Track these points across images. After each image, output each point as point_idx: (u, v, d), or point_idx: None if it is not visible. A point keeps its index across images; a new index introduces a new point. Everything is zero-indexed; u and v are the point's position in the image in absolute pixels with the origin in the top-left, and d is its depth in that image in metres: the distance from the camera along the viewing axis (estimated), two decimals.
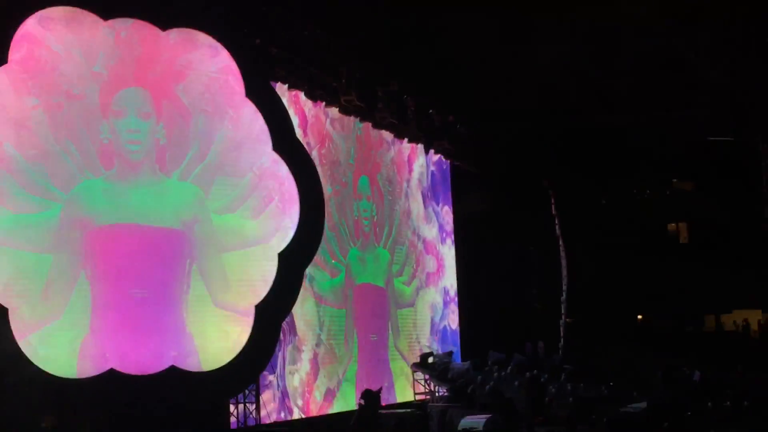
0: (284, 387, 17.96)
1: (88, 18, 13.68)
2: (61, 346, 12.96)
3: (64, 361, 12.91)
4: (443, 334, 25.83)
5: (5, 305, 12.29)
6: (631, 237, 28.15)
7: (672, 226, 30.75)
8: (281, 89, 17.94)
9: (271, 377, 17.27)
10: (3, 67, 12.66)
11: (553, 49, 20.42)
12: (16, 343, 12.26)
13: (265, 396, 17.12)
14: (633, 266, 27.56)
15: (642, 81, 22.63)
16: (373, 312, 22.02)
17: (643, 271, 27.54)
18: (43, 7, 13.18)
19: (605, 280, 27.28)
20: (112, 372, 13.21)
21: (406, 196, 24.45)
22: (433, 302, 25.50)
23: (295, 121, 18.04)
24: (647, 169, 28.73)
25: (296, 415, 18.31)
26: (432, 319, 25.27)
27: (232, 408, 15.91)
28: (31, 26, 13.05)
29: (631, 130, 25.66)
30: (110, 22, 13.89)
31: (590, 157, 26.70)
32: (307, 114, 19.77)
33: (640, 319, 29.42)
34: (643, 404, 18.45)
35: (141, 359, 13.64)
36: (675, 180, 30.28)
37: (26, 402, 12.03)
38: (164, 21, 14.48)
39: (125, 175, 13.98)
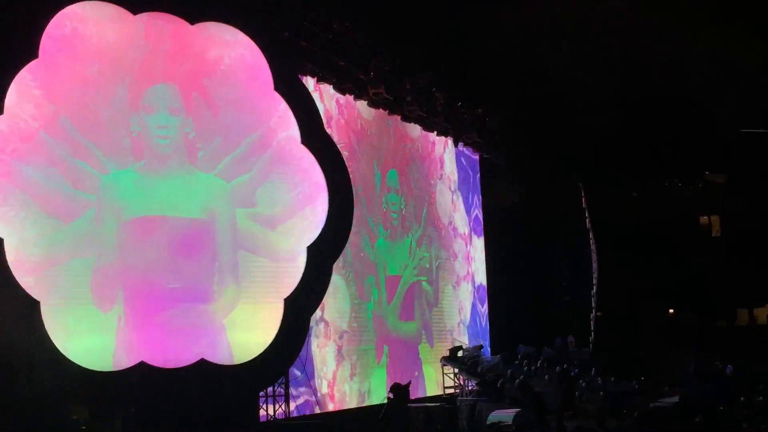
0: (313, 380, 17.99)
1: (118, 12, 13.73)
2: (94, 338, 13.02)
3: (96, 353, 12.96)
4: (473, 328, 25.78)
5: (37, 298, 12.36)
6: (662, 230, 27.90)
7: (704, 219, 30.43)
8: (309, 83, 17.97)
9: (299, 371, 17.31)
10: (34, 61, 12.72)
11: (582, 43, 20.32)
12: (47, 336, 12.34)
13: (294, 389, 17.17)
14: (664, 260, 27.33)
15: (674, 74, 22.43)
16: (403, 304, 22.01)
17: (675, 264, 27.31)
18: (73, 1, 13.23)
19: (636, 273, 27.07)
20: (142, 365, 13.27)
21: (435, 189, 24.41)
22: (462, 296, 25.45)
23: (323, 114, 18.04)
24: (679, 162, 28.47)
25: (325, 408, 18.34)
26: (461, 313, 25.23)
27: (261, 401, 15.95)
28: (62, 21, 13.11)
29: (663, 123, 25.44)
30: (139, 16, 13.94)
31: (621, 149, 26.50)
32: (335, 107, 19.79)
33: (672, 313, 29.17)
34: (675, 399, 18.34)
35: (171, 352, 13.69)
36: (707, 173, 29.96)
37: (58, 394, 12.12)
38: (193, 15, 14.50)
39: (154, 167, 14.04)
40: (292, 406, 16.81)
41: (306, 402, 17.76)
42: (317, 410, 18.02)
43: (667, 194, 29.67)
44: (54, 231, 12.80)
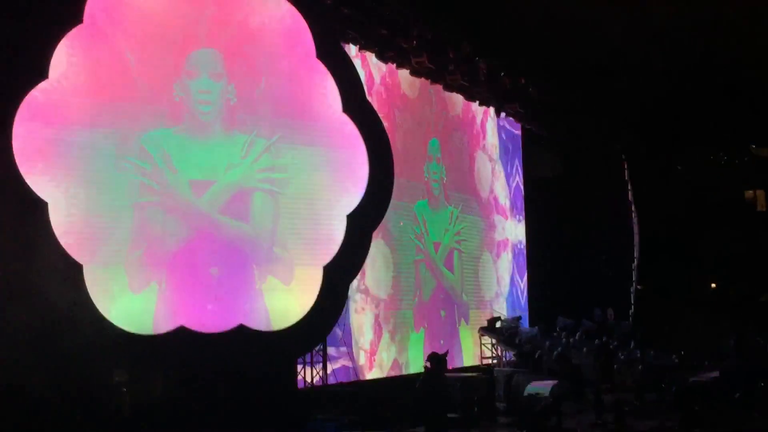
0: (351, 348, 18.09)
1: None
2: (134, 302, 13.18)
3: (137, 317, 13.12)
4: (511, 299, 25.74)
5: (80, 261, 12.52)
6: (706, 204, 27.58)
7: (749, 193, 30.00)
8: (352, 50, 17.91)
9: (339, 337, 17.40)
10: (79, 26, 12.79)
11: (626, 11, 20.01)
12: (90, 298, 12.50)
13: (335, 350, 17.27)
14: (707, 233, 27.03)
15: (719, 44, 22.03)
16: (442, 273, 22.03)
17: (718, 238, 27.00)
18: None
19: (679, 247, 26.81)
20: (182, 329, 13.40)
21: (477, 159, 24.32)
22: (501, 266, 25.40)
23: (365, 81, 18.01)
24: (724, 135, 28.05)
25: (363, 376, 18.44)
26: (500, 284, 25.19)
27: (299, 368, 16.07)
28: None
29: (708, 95, 25.05)
30: None
31: (665, 122, 26.15)
32: (378, 74, 19.74)
33: (714, 287, 28.88)
34: (715, 374, 18.19)
35: (211, 317, 13.81)
36: (753, 146, 29.50)
37: (99, 356, 12.28)
38: None
39: (195, 131, 14.10)
40: (329, 370, 16.91)
41: (344, 368, 17.87)
42: (355, 378, 18.13)
43: (712, 167, 29.29)
44: (97, 196, 12.93)
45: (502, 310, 24.68)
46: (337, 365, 17.57)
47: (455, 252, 22.72)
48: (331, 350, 17.09)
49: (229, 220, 14.26)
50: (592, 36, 21.16)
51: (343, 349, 17.78)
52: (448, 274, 22.31)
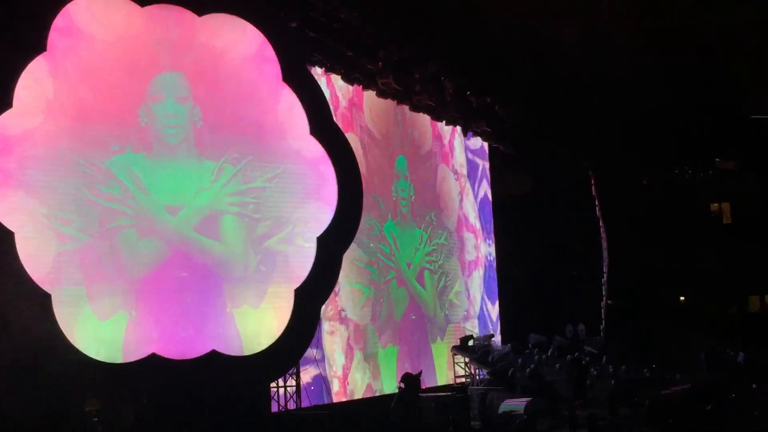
0: (324, 370, 18.03)
1: (126, 5, 13.76)
2: (104, 330, 13.06)
3: (107, 345, 13.02)
4: (483, 317, 25.78)
5: (48, 291, 12.40)
6: (673, 217, 27.80)
7: (715, 206, 30.29)
8: (317, 73, 17.95)
9: (314, 357, 17.36)
10: (42, 54, 12.74)
11: (590, 28, 20.21)
12: (59, 329, 12.38)
13: (305, 379, 17.20)
14: (675, 247, 27.23)
15: (684, 60, 22.29)
16: (415, 289, 22.04)
17: (686, 251, 27.20)
18: None
19: (647, 261, 26.98)
20: (153, 356, 13.31)
21: (445, 177, 24.40)
22: (472, 285, 25.45)
23: (331, 101, 18.08)
24: (690, 149, 28.33)
25: (336, 398, 18.38)
26: (471, 302, 25.23)
27: (272, 392, 15.98)
28: (70, 14, 13.15)
29: (673, 110, 25.31)
30: (147, 8, 13.96)
31: (630, 136, 26.37)
32: (343, 94, 19.79)
33: (683, 300, 29.08)
34: (686, 386, 18.29)
35: (182, 343, 13.73)
36: (718, 159, 29.82)
37: (70, 386, 12.16)
38: (200, 6, 14.52)
39: (164, 156, 14.06)
40: (303, 396, 16.84)
41: (317, 390, 17.80)
42: (328, 400, 18.07)
43: (678, 181, 29.55)
44: (64, 224, 12.84)
45: (474, 328, 24.71)
46: (309, 390, 17.50)
47: (426, 271, 22.74)
48: (304, 373, 17.04)
49: (203, 238, 14.20)
50: (557, 54, 21.35)
51: (317, 371, 17.71)
52: (420, 290, 22.32)
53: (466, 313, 24.75)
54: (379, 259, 20.72)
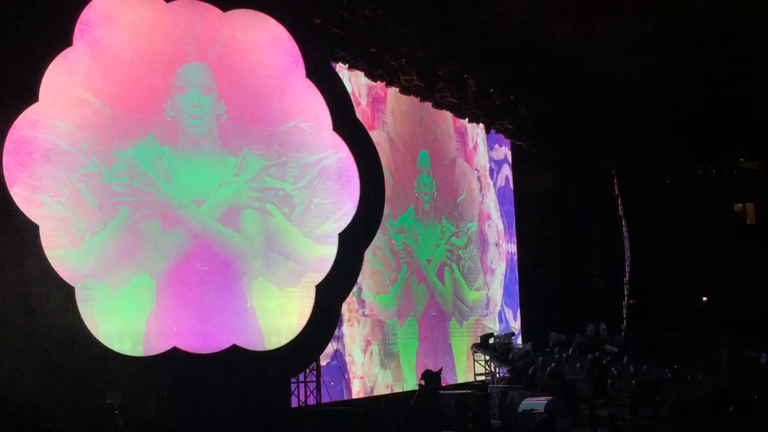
0: (345, 366, 18.05)
1: (151, 1, 13.80)
2: (126, 324, 13.13)
3: (128, 338, 13.07)
4: (503, 315, 25.74)
5: (71, 284, 12.47)
6: (696, 217, 27.64)
7: (739, 206, 30.09)
8: (341, 69, 17.97)
9: (334, 353, 17.39)
10: (68, 49, 12.80)
11: (616, 27, 20.12)
12: (82, 322, 12.44)
13: (326, 375, 17.22)
14: (698, 247, 27.07)
15: (709, 58, 22.15)
16: (435, 285, 22.04)
17: (709, 251, 27.04)
18: None
19: (669, 260, 26.84)
20: (175, 350, 13.36)
21: (468, 174, 24.37)
22: (494, 282, 25.41)
23: (354, 96, 18.11)
24: (713, 149, 28.16)
25: (356, 394, 18.40)
26: (493, 299, 25.19)
27: (293, 387, 16.01)
28: (95, 9, 13.18)
29: (698, 109, 25.16)
30: (172, 3, 14.00)
31: (655, 135, 26.25)
32: (366, 90, 19.80)
33: (705, 300, 28.92)
34: (708, 387, 18.20)
35: (204, 337, 13.76)
36: (742, 159, 29.63)
37: (92, 378, 12.24)
38: (225, 2, 14.54)
39: (189, 150, 14.10)
40: (323, 391, 16.86)
41: (337, 387, 17.83)
42: (349, 396, 18.09)
43: (702, 181, 29.37)
44: (88, 217, 12.90)
45: (494, 326, 24.67)
46: (330, 384, 17.53)
47: (446, 267, 22.72)
48: (324, 368, 17.08)
49: (225, 229, 14.24)
50: (581, 52, 21.28)
51: (335, 363, 17.75)
52: (440, 286, 22.31)
53: (486, 310, 24.70)
54: (401, 254, 20.72)
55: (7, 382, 11.47)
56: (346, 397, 18.00)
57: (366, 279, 18.77)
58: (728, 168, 29.74)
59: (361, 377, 18.75)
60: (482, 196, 25.20)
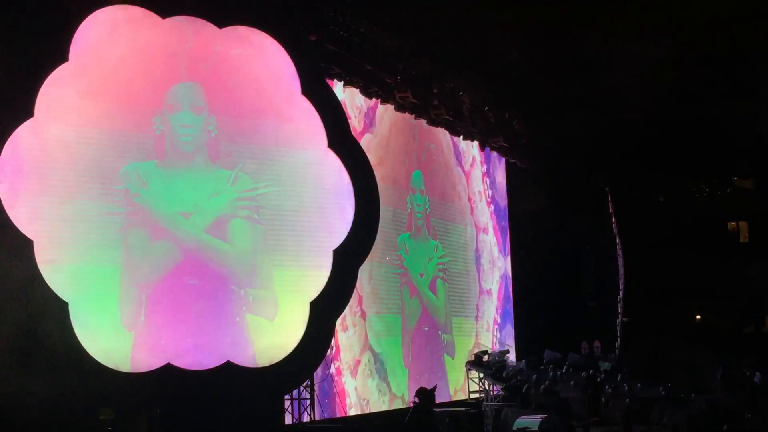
0: (339, 383, 18.00)
1: (147, 16, 13.84)
2: (118, 340, 13.09)
3: (121, 355, 13.04)
4: (498, 332, 25.71)
5: (66, 299, 12.44)
6: (689, 235, 27.67)
7: (732, 224, 30.14)
8: (336, 86, 18.00)
9: (325, 373, 17.33)
10: (64, 64, 12.82)
11: (609, 44, 20.19)
12: (76, 338, 12.41)
13: (320, 392, 17.17)
14: (692, 265, 27.08)
15: (702, 76, 22.25)
16: (428, 298, 22.01)
17: (702, 270, 27.06)
18: (103, 5, 13.32)
19: (663, 279, 26.86)
20: (168, 366, 13.32)
21: (461, 191, 24.39)
22: (488, 299, 25.38)
23: (349, 112, 18.15)
24: (707, 167, 28.24)
25: (351, 411, 18.34)
26: (486, 317, 25.17)
27: (287, 404, 15.96)
28: (92, 24, 13.22)
29: (690, 127, 25.25)
30: (168, 20, 14.04)
31: (648, 153, 26.32)
32: (361, 107, 19.83)
33: (699, 318, 28.92)
34: (702, 406, 18.18)
35: (197, 353, 13.73)
36: (735, 178, 29.70)
37: (85, 395, 12.19)
38: (220, 18, 14.59)
39: (177, 164, 14.12)
40: (317, 409, 16.81)
41: (331, 405, 17.77)
42: (343, 413, 18.02)
43: (695, 199, 29.43)
44: (83, 233, 12.89)
45: (488, 343, 24.63)
46: (324, 402, 17.47)
47: (438, 280, 22.71)
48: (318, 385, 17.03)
49: (214, 240, 14.21)
50: (576, 70, 21.35)
51: (328, 381, 17.72)
52: (432, 297, 22.28)
53: (480, 327, 24.67)
54: (394, 270, 20.72)
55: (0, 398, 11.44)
56: (340, 415, 17.94)
57: (357, 295, 18.75)
58: (722, 186, 29.81)
59: (356, 394, 18.68)
60: (477, 214, 25.21)
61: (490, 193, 26.34)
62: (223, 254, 14.32)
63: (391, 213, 20.37)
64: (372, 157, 17.55)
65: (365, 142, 18.69)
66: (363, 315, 18.94)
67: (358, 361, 18.83)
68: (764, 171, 28.58)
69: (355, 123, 19.02)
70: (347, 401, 18.32)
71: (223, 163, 14.51)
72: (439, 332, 22.44)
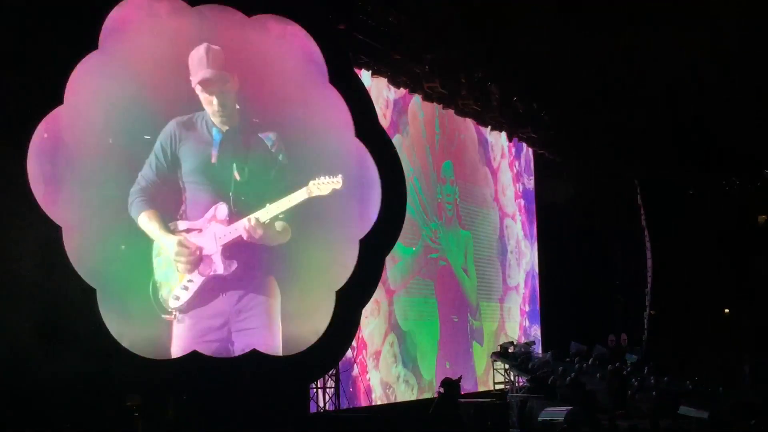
0: (364, 372, 18.03)
1: (176, 4, 13.84)
2: (148, 327, 13.15)
3: (150, 342, 13.08)
4: (524, 324, 25.67)
5: (94, 286, 12.51)
6: (719, 229, 27.48)
7: (762, 218, 29.90)
8: (364, 76, 17.99)
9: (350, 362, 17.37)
10: (94, 52, 12.85)
11: (638, 38, 20.07)
12: (104, 324, 12.48)
13: (344, 381, 17.21)
14: (721, 259, 26.91)
15: (732, 70, 22.05)
16: (454, 293, 22.03)
17: (732, 263, 26.88)
18: None
19: (692, 272, 26.69)
20: (195, 354, 13.37)
21: (491, 182, 24.36)
22: (513, 289, 25.35)
23: (379, 106, 18.11)
24: (737, 160, 28.00)
25: (376, 401, 18.38)
26: (512, 306, 25.14)
27: (312, 393, 16.00)
28: (122, 12, 13.22)
29: (720, 119, 25.03)
30: (197, 8, 14.03)
31: (678, 146, 26.13)
32: (391, 98, 19.82)
33: (727, 313, 28.72)
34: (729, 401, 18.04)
35: (223, 341, 13.77)
36: (766, 170, 29.44)
37: (112, 381, 12.27)
38: (250, 6, 14.56)
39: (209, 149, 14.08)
40: (343, 397, 16.85)
41: (356, 394, 17.81)
42: (367, 403, 18.06)
43: (726, 192, 29.21)
44: (111, 220, 12.95)
45: (514, 334, 24.60)
46: (350, 391, 17.52)
47: (470, 264, 22.78)
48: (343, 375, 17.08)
49: (241, 242, 14.19)
50: (606, 61, 21.22)
51: (356, 373, 17.76)
52: (465, 278, 22.36)
53: (507, 317, 24.66)
54: (424, 258, 20.75)
55: (27, 385, 11.52)
56: (365, 404, 17.98)
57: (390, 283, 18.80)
58: (752, 180, 29.56)
59: (381, 383, 18.71)
60: (504, 203, 25.16)
61: (518, 184, 26.27)
62: (255, 247, 14.30)
63: (420, 203, 20.41)
64: (401, 150, 17.55)
65: (396, 143, 18.63)
66: (388, 293, 18.96)
67: (381, 347, 18.88)
68: None
69: (383, 119, 18.95)
70: (372, 391, 18.35)
71: (256, 153, 14.47)
72: (469, 316, 22.47)
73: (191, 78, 13.84)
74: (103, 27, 12.95)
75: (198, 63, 13.90)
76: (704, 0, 18.89)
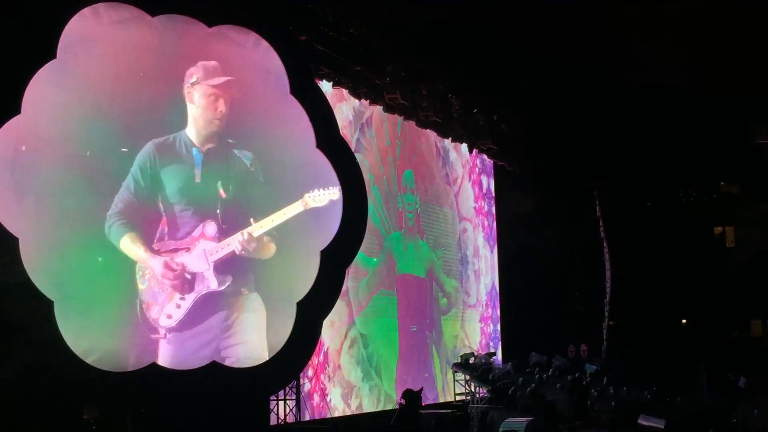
0: (323, 384, 17.98)
1: (136, 14, 13.72)
2: (106, 339, 12.99)
3: (108, 354, 12.91)
4: (484, 335, 25.74)
5: (51, 298, 12.35)
6: (676, 240, 27.80)
7: (718, 229, 30.31)
8: (325, 87, 17.98)
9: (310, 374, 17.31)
10: (52, 62, 12.72)
11: (599, 48, 20.27)
12: (61, 336, 12.32)
13: (305, 393, 17.15)
14: (678, 269, 27.22)
15: (691, 81, 22.34)
16: (415, 303, 22.04)
17: (689, 274, 27.19)
18: (91, 3, 13.23)
19: (649, 283, 26.96)
20: (154, 366, 13.25)
21: (450, 192, 24.44)
22: (475, 300, 25.42)
23: (339, 117, 18.11)
24: (694, 171, 28.37)
25: (336, 413, 18.32)
26: (473, 319, 25.20)
27: (272, 405, 15.91)
28: (81, 21, 13.09)
29: (678, 132, 25.37)
30: (157, 18, 13.93)
31: (636, 158, 26.43)
32: (351, 109, 19.83)
33: (685, 323, 29.04)
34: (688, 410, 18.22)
35: (182, 353, 13.65)
36: (722, 183, 29.85)
37: (69, 394, 12.13)
38: (210, 17, 14.48)
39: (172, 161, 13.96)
40: (303, 409, 16.78)
41: (316, 406, 17.74)
42: (328, 415, 18.00)
43: (682, 204, 29.56)
44: (70, 232, 12.80)
45: (475, 344, 24.66)
46: (309, 403, 17.45)
47: (428, 274, 22.81)
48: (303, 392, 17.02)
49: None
50: (564, 74, 21.40)
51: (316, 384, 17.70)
52: (425, 288, 22.42)
53: (467, 330, 24.70)
54: (386, 269, 20.75)
55: None
56: (326, 416, 17.92)
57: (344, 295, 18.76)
58: (708, 191, 29.96)
59: (342, 395, 18.67)
60: (465, 213, 25.25)
61: (479, 194, 26.38)
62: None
63: (381, 212, 20.43)
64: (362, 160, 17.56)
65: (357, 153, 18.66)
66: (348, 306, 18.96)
67: (341, 358, 18.84)
68: (750, 176, 28.75)
69: (345, 129, 18.94)
70: (332, 402, 18.30)
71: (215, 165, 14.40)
72: (429, 326, 22.53)
73: (204, 82, 13.94)
74: (62, 37, 12.82)
75: (213, 70, 14.05)
76: (664, 11, 19.09)
